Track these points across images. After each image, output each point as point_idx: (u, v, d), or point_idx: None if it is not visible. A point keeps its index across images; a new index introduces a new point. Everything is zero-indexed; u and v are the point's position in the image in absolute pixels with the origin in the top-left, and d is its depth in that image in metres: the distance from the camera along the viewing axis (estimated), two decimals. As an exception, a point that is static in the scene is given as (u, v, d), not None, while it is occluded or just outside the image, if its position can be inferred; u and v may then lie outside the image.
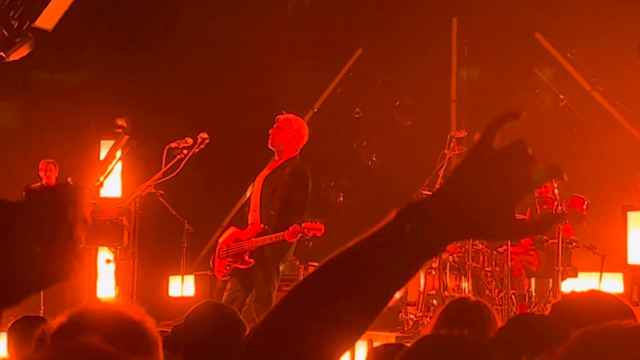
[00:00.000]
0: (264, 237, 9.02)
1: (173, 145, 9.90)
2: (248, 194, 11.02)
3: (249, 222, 9.33)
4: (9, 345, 4.62)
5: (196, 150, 9.84)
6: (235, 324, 4.36)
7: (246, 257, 9.16)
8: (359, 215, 13.83)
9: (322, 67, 14.73)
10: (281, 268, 9.21)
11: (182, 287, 12.14)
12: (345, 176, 15.33)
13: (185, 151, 9.86)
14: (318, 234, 8.71)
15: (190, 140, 9.87)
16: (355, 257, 1.53)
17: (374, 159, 15.34)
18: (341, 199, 15.10)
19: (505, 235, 1.59)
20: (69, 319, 2.40)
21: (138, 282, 10.90)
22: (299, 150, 9.30)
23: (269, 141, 9.26)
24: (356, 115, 15.29)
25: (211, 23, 13.65)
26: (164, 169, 9.92)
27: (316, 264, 8.59)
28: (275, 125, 9.25)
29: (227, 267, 9.31)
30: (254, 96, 13.50)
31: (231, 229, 9.52)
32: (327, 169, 15.28)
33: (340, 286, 1.53)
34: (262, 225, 9.12)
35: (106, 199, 12.82)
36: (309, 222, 8.74)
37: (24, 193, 1.60)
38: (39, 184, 13.34)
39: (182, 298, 12.05)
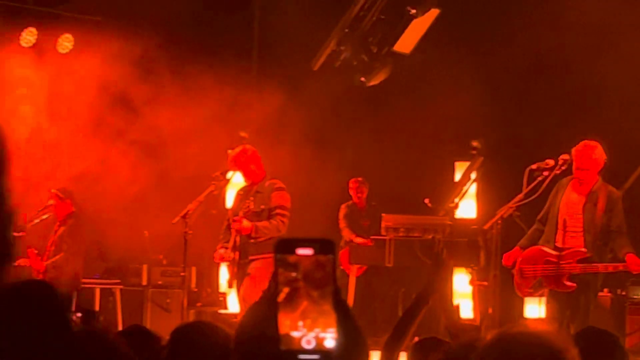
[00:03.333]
0: (596, 264, 9.34)
1: (534, 167, 9.89)
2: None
3: (561, 244, 9.54)
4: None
5: (557, 172, 9.79)
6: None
7: (565, 281, 9.45)
8: None
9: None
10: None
11: (538, 308, 12.01)
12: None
13: (545, 173, 9.82)
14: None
15: (551, 162, 9.83)
16: None
17: None
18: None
19: None
20: (494, 342, 2.40)
21: (495, 303, 10.89)
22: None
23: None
24: None
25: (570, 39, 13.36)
26: (525, 191, 9.89)
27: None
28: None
29: (533, 288, 9.73)
30: (610, 118, 13.11)
31: (534, 249, 9.74)
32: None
33: None
34: (586, 252, 9.39)
35: (461, 220, 12.92)
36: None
37: None
38: (351, 202, 13.66)
39: (538, 319, 11.93)
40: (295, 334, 1.75)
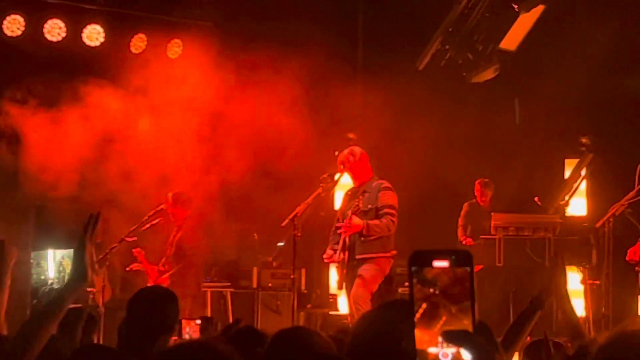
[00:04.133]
0: None
1: (646, 162, 9.77)
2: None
3: None
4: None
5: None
6: None
7: None
8: None
9: None
10: None
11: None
12: None
13: (656, 168, 9.68)
14: None
15: (663, 158, 9.69)
16: None
17: None
18: None
19: None
20: (612, 340, 2.39)
21: (608, 302, 10.73)
22: None
23: None
24: None
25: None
26: (637, 188, 9.74)
27: None
28: None
29: None
30: None
31: None
32: None
33: None
34: None
35: (572, 217, 12.75)
36: None
37: None
38: (474, 200, 13.42)
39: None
40: (432, 350, 1.74)
